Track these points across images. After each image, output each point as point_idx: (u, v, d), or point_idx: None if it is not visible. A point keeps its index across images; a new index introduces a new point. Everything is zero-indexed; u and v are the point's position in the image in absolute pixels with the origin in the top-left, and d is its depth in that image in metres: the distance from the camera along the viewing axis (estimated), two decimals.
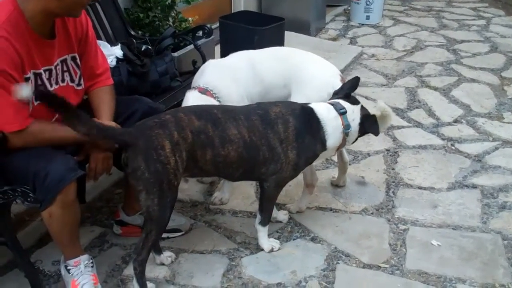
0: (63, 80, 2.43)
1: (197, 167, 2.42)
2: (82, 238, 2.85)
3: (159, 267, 2.67)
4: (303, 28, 6.10)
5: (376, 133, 2.73)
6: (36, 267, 2.66)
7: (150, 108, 2.62)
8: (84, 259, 2.45)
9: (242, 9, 6.02)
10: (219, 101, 2.80)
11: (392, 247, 2.83)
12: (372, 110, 2.80)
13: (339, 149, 2.76)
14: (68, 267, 2.43)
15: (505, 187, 3.34)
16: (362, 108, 2.73)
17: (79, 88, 2.51)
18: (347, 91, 2.74)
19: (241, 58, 3.00)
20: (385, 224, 3.02)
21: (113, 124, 2.45)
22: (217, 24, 4.46)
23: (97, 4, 3.52)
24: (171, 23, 4.08)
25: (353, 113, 2.65)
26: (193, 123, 2.35)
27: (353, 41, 6.20)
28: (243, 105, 2.60)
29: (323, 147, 2.63)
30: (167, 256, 2.70)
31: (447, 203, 3.19)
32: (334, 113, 2.61)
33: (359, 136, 2.76)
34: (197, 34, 3.72)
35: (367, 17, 6.77)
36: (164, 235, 2.86)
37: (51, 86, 2.36)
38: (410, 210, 3.13)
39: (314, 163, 2.98)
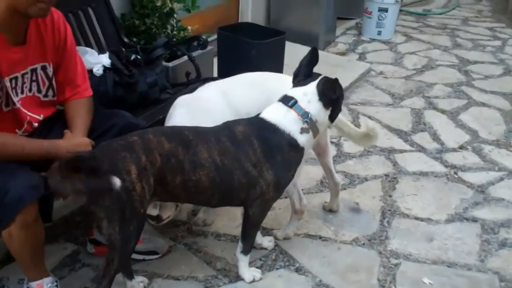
0: (30, 90, 2.30)
1: (167, 191, 2.25)
2: (53, 255, 2.74)
3: None
4: (311, 41, 5.91)
5: (333, 95, 2.42)
6: (1, 284, 2.52)
7: (130, 123, 2.47)
8: (47, 281, 2.31)
9: (249, 19, 5.88)
10: None
11: (381, 283, 2.64)
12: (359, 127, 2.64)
13: (315, 136, 2.46)
14: None
15: (507, 222, 3.14)
16: (321, 81, 2.41)
17: (46, 99, 2.38)
18: (306, 69, 2.48)
19: (211, 90, 2.80)
20: (376, 257, 2.83)
21: (86, 140, 2.31)
22: None
23: (89, 9, 3.38)
24: (169, 31, 3.93)
25: (306, 96, 2.39)
26: (162, 146, 2.18)
27: (362, 56, 6.03)
28: (213, 126, 2.42)
29: (299, 149, 2.40)
30: (139, 281, 2.54)
31: (444, 236, 3.01)
32: (284, 109, 2.38)
33: (333, 111, 2.46)
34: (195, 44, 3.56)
35: (379, 32, 6.59)
36: (140, 257, 2.73)
37: (17, 95, 2.23)
38: (404, 242, 2.95)
39: (301, 187, 2.84)
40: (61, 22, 2.35)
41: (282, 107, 2.40)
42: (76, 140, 2.29)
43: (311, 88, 2.41)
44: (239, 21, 5.83)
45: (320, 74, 2.47)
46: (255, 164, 2.32)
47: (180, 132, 2.29)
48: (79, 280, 2.59)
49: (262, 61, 3.01)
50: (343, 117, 2.79)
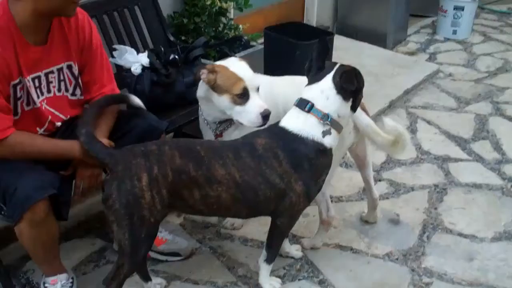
0: (59, 90, 2.34)
1: (188, 206, 2.21)
2: (82, 250, 2.81)
3: None
4: (379, 39, 5.72)
5: (351, 87, 2.25)
6: (26, 277, 2.61)
7: (151, 126, 2.46)
8: (61, 278, 2.36)
9: (315, 17, 5.76)
10: None
11: None
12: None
13: (340, 132, 2.31)
14: (46, 285, 2.36)
15: None
16: (337, 73, 2.25)
17: (74, 98, 2.41)
18: (318, 62, 2.32)
19: (264, 78, 2.78)
20: (407, 274, 2.67)
21: (105, 141, 2.31)
22: None
23: (136, 7, 3.41)
24: (220, 30, 3.92)
25: (323, 93, 2.25)
26: (174, 161, 2.12)
27: (432, 57, 5.72)
28: (230, 141, 2.35)
29: (327, 153, 2.29)
30: (156, 283, 2.53)
31: (487, 256, 2.79)
32: (302, 115, 2.26)
33: (354, 101, 2.31)
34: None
35: (454, 32, 6.24)
36: (163, 258, 2.73)
37: (42, 95, 2.27)
38: (441, 260, 2.76)
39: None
40: (85, 22, 2.36)
41: (300, 113, 2.28)
42: None
43: (327, 83, 2.26)
44: (304, 19, 5.72)
45: (335, 63, 2.33)
46: (282, 176, 2.22)
47: (192, 148, 2.21)
48: (101, 276, 2.59)
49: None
50: (375, 125, 2.61)
